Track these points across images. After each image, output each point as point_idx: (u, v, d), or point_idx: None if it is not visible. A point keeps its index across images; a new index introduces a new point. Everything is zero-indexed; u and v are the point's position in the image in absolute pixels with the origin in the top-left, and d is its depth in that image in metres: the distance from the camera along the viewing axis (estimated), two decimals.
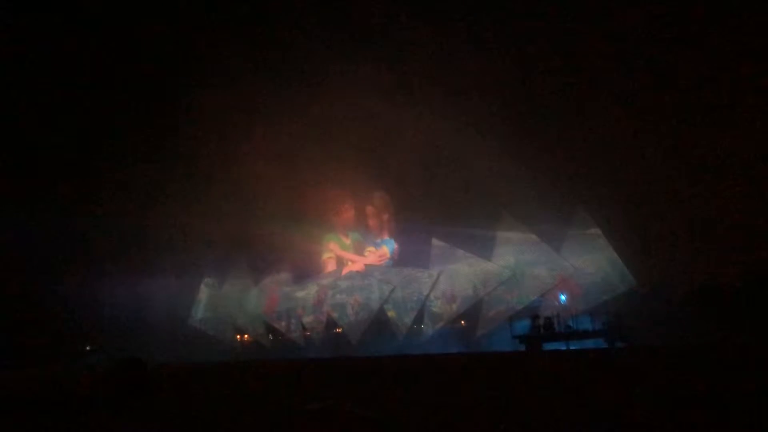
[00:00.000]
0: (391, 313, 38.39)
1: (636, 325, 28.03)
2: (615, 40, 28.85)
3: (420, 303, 37.78)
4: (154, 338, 37.35)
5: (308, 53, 35.27)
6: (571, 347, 28.94)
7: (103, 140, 38.10)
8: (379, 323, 38.56)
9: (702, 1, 27.01)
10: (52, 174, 37.94)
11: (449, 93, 33.27)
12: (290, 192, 38.22)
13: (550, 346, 29.55)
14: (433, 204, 36.42)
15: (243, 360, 35.73)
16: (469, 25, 32.52)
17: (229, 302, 44.08)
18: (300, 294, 42.40)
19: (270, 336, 43.23)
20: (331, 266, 43.13)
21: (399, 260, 41.00)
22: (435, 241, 38.48)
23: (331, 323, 40.64)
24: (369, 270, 40.92)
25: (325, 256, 43.38)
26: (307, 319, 41.26)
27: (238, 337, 43.96)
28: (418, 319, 37.84)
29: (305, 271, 43.22)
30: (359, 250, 42.60)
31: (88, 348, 41.63)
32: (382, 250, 41.72)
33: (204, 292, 44.89)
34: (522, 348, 30.06)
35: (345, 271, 42.18)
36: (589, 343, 29.06)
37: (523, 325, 31.91)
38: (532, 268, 35.23)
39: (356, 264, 42.04)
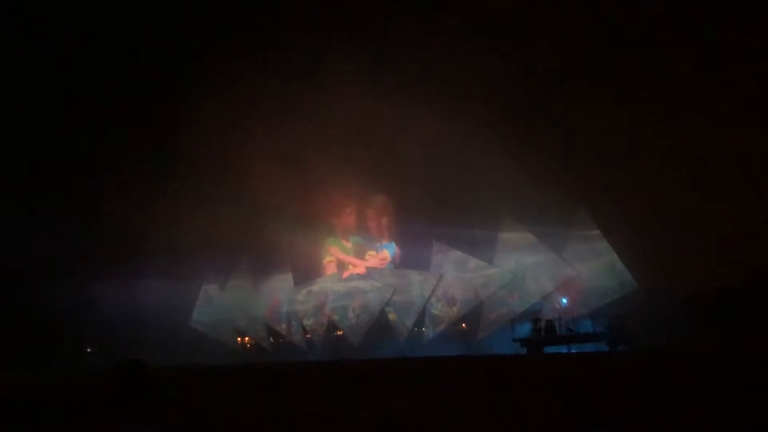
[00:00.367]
0: (392, 316, 38.40)
1: (637, 328, 27.93)
2: (615, 40, 28.89)
3: (421, 306, 37.77)
4: (155, 340, 37.31)
5: (308, 53, 35.35)
6: (573, 350, 28.84)
7: (103, 140, 38.15)
8: (380, 326, 38.59)
9: (702, 1, 27.06)
10: (52, 174, 37.99)
11: (449, 93, 33.30)
12: (292, 195, 38.26)
13: (551, 350, 29.38)
14: (434, 207, 36.39)
15: (244, 362, 35.65)
16: (470, 25, 32.60)
17: (230, 305, 44.04)
18: (301, 297, 42.41)
19: (271, 338, 43.25)
20: (332, 270, 43.13)
21: (400, 263, 41.02)
22: (436, 244, 38.46)
23: (332, 326, 40.68)
24: (370, 273, 40.94)
25: (326, 259, 43.35)
26: (308, 322, 41.29)
27: (240, 339, 43.97)
28: (419, 321, 37.88)
29: (306, 274, 43.23)
30: (360, 254, 42.56)
31: (89, 350, 41.63)
32: (383, 254, 41.71)
33: (205, 295, 44.93)
34: (523, 351, 29.91)
35: (346, 274, 42.20)
36: (590, 347, 28.98)
37: (524, 328, 31.77)
38: (533, 271, 35.19)
39: (357, 267, 42.06)
